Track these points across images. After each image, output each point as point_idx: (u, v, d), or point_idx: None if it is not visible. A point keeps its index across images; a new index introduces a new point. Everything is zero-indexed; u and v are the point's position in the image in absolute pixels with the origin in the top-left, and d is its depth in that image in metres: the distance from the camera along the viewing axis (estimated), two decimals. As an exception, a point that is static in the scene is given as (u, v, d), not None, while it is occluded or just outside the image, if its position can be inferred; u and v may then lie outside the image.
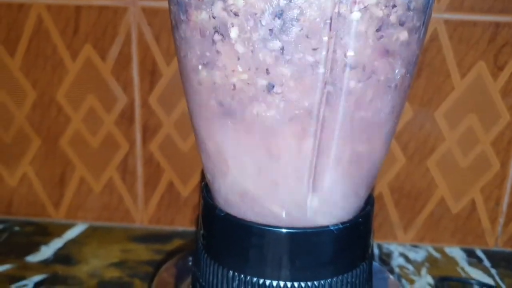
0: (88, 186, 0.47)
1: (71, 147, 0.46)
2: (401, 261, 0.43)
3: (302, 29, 0.22)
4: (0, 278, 0.39)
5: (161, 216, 0.47)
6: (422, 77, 0.42)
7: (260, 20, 0.22)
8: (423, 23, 0.24)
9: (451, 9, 0.40)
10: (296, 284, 0.26)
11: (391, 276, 0.37)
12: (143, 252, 0.43)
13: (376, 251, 0.45)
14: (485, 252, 0.45)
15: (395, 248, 0.45)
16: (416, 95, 0.42)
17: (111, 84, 0.44)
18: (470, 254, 0.45)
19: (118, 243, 0.45)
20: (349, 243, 0.27)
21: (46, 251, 0.43)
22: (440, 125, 0.43)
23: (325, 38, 0.22)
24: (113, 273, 0.40)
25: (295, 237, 0.26)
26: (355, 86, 0.23)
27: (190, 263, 0.36)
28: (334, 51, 0.22)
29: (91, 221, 0.48)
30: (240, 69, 0.23)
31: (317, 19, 0.22)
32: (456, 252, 0.45)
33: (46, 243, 0.44)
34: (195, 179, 0.46)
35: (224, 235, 0.27)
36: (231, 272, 0.27)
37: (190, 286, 0.32)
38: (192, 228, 0.47)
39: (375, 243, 0.46)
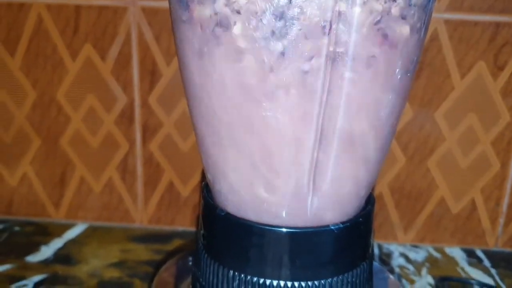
0: (88, 186, 0.47)
1: (71, 147, 0.46)
2: (401, 261, 0.43)
3: (301, 28, 0.22)
4: (0, 278, 0.39)
5: (161, 216, 0.47)
6: (422, 77, 0.42)
7: (261, 19, 0.22)
8: (424, 22, 0.24)
9: (451, 9, 0.40)
10: (296, 283, 0.26)
11: (391, 276, 0.37)
12: (143, 252, 0.43)
13: (376, 251, 0.45)
14: (485, 252, 0.45)
15: (395, 248, 0.45)
16: (416, 95, 0.42)
17: (111, 84, 0.44)
18: (470, 254, 0.45)
19: (118, 243, 0.45)
20: (350, 243, 0.27)
21: (46, 251, 0.43)
22: (440, 125, 0.43)
23: (327, 29, 0.22)
24: (113, 273, 0.40)
25: (296, 237, 0.26)
26: (355, 86, 0.23)
27: (190, 263, 0.36)
28: (335, 47, 0.22)
29: (91, 221, 0.48)
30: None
31: (317, 18, 0.22)
32: (456, 252, 0.45)
33: (46, 243, 0.44)
34: (195, 179, 0.46)
35: (225, 235, 0.27)
36: (231, 271, 0.27)
37: (190, 286, 0.32)
38: (192, 228, 0.47)
39: (375, 243, 0.46)
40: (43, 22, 0.42)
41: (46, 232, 0.46)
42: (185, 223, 0.47)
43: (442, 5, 0.40)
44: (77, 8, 0.42)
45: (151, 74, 0.43)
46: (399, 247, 0.45)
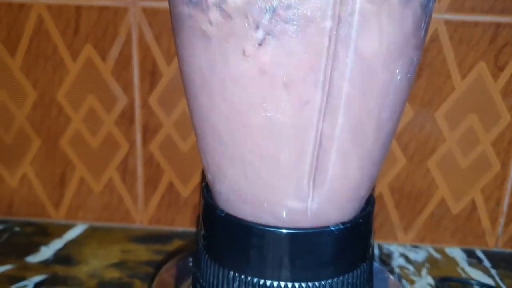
0: (88, 187, 0.47)
1: (71, 148, 0.46)
2: (401, 261, 0.43)
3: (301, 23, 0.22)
4: (0, 279, 0.39)
5: (161, 217, 0.47)
6: (423, 77, 0.42)
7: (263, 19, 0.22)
8: (424, 22, 0.24)
9: (452, 10, 0.40)
10: (296, 284, 0.26)
11: (391, 277, 0.37)
12: (143, 253, 0.43)
13: (376, 251, 0.45)
14: (485, 253, 0.45)
15: (395, 249, 0.45)
16: (417, 95, 0.42)
17: (111, 85, 0.44)
18: (470, 254, 0.45)
19: (118, 243, 0.45)
20: (350, 244, 0.27)
21: (46, 252, 0.43)
22: (440, 125, 0.43)
23: (328, 23, 0.22)
24: (113, 274, 0.40)
25: (296, 238, 0.26)
26: (356, 87, 0.23)
27: (191, 264, 0.36)
28: (336, 44, 0.22)
29: (91, 222, 0.48)
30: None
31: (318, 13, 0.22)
32: (456, 253, 0.45)
33: (46, 243, 0.44)
34: (195, 180, 0.46)
35: (225, 236, 0.27)
36: (231, 272, 0.27)
37: (191, 287, 0.32)
38: (192, 229, 0.47)
39: (375, 243, 0.46)
40: (44, 22, 0.42)
41: (46, 233, 0.46)
42: (185, 223, 0.47)
43: (443, 5, 0.40)
44: (78, 8, 0.42)
45: (151, 75, 0.43)
46: (399, 248, 0.45)
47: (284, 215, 0.26)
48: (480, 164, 0.44)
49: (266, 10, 0.22)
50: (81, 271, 0.40)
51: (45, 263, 0.41)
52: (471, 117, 0.42)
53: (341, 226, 0.26)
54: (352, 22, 0.22)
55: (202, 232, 0.29)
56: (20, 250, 0.43)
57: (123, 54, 0.43)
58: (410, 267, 0.43)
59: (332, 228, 0.26)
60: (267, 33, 0.22)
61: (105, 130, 0.45)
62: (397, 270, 0.42)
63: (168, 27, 0.42)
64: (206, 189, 0.30)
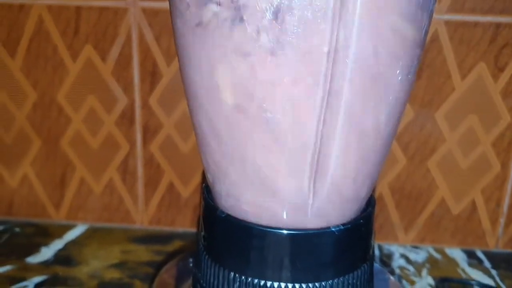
0: (89, 187, 0.47)
1: (71, 148, 0.46)
2: (401, 262, 0.43)
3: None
4: (0, 279, 0.39)
5: (162, 217, 0.47)
6: (423, 78, 0.42)
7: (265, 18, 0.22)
8: (425, 22, 0.24)
9: (452, 10, 0.40)
10: (297, 285, 0.26)
11: (391, 277, 0.37)
12: (143, 253, 0.43)
13: (376, 252, 0.45)
14: (486, 253, 0.45)
15: (395, 249, 0.45)
16: (417, 96, 0.42)
17: (111, 85, 0.44)
18: (471, 255, 0.45)
19: (119, 244, 0.45)
20: (350, 245, 0.27)
21: (47, 252, 0.43)
22: (440, 126, 0.43)
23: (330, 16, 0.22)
24: (113, 274, 0.40)
25: (296, 239, 0.26)
26: (356, 88, 0.23)
27: (191, 264, 0.36)
28: (337, 40, 0.22)
29: (92, 222, 0.48)
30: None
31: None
32: (456, 253, 0.45)
33: (46, 244, 0.44)
34: (196, 180, 0.46)
35: (225, 237, 0.27)
36: (232, 273, 0.27)
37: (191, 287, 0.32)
38: (192, 229, 0.47)
39: (375, 244, 0.46)
40: (44, 23, 0.42)
41: (46, 233, 0.46)
42: (185, 224, 0.47)
43: (443, 6, 0.40)
44: (78, 9, 0.42)
45: (151, 75, 0.43)
46: (399, 248, 0.45)
47: (285, 216, 0.26)
48: (480, 165, 0.44)
49: (267, 10, 0.22)
50: (82, 271, 0.40)
51: (46, 264, 0.41)
52: (471, 117, 0.43)
53: (342, 227, 0.26)
54: (352, 22, 0.22)
55: (203, 233, 0.29)
56: (20, 250, 0.43)
57: (123, 54, 0.43)
58: (411, 268, 0.43)
59: (333, 229, 0.26)
60: (267, 33, 0.22)
61: (105, 130, 0.45)
62: (397, 270, 0.42)
63: (168, 28, 0.42)
64: (206, 190, 0.30)
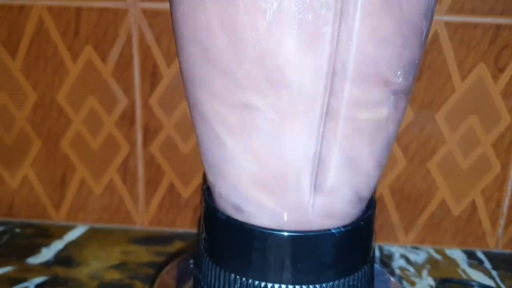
0: (89, 188, 0.47)
1: (71, 149, 0.46)
2: (402, 263, 0.43)
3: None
4: (1, 280, 0.39)
5: (162, 218, 0.47)
6: (423, 79, 0.42)
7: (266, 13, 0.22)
8: (426, 23, 0.24)
9: (452, 11, 0.40)
10: (298, 287, 0.26)
11: (392, 278, 0.37)
12: (143, 254, 0.43)
13: (377, 253, 0.45)
14: (486, 254, 0.45)
15: (396, 250, 0.45)
16: (417, 97, 0.42)
17: (111, 86, 0.44)
18: (471, 256, 0.45)
19: (119, 245, 0.45)
20: (351, 246, 0.27)
21: (47, 253, 0.43)
22: (440, 127, 0.43)
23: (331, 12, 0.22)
24: (113, 275, 0.40)
25: (297, 240, 0.26)
26: (357, 88, 0.23)
27: (192, 266, 0.36)
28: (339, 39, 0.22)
29: (92, 223, 0.48)
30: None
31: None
32: (457, 254, 0.45)
33: (46, 245, 0.44)
34: (196, 181, 0.46)
35: (226, 238, 0.27)
36: (232, 275, 0.27)
37: (192, 289, 0.32)
38: (193, 230, 0.47)
39: (376, 245, 0.46)
40: (44, 24, 0.42)
41: (46, 234, 0.46)
42: (186, 224, 0.47)
43: (443, 7, 0.40)
44: (78, 10, 0.42)
45: (152, 76, 0.43)
46: (399, 249, 0.45)
47: (285, 218, 0.26)
48: (481, 166, 0.44)
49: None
50: (82, 272, 0.40)
51: (46, 265, 0.41)
52: (471, 118, 0.43)
53: (343, 229, 0.26)
54: (354, 21, 0.22)
55: (203, 234, 0.29)
56: (21, 251, 0.43)
57: (123, 55, 0.43)
58: (411, 269, 0.43)
59: (334, 231, 0.26)
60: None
61: (105, 131, 0.45)
62: (397, 271, 0.42)
63: (169, 29, 0.42)
64: (207, 192, 0.30)
